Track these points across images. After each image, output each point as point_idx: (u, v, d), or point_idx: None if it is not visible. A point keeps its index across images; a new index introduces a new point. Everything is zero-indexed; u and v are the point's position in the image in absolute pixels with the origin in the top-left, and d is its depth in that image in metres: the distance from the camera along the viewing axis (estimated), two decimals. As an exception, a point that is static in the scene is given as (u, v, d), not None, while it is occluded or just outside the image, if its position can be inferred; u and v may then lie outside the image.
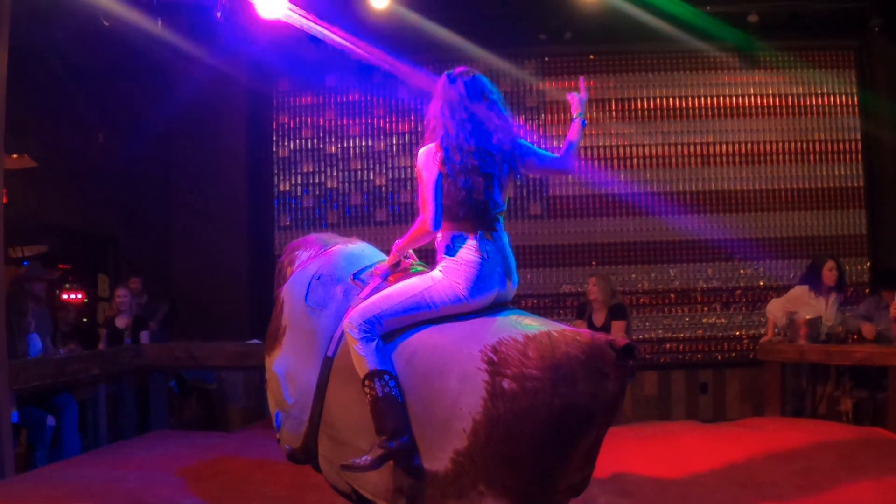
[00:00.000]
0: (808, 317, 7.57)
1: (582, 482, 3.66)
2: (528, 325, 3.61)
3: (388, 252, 4.22)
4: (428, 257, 4.13)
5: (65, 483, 5.49)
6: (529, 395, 3.35)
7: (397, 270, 4.06)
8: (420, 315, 3.79)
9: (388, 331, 3.80)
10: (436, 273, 3.84)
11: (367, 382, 3.67)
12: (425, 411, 3.59)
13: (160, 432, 7.67)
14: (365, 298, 3.93)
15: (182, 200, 9.80)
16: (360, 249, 4.48)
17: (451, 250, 3.83)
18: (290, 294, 4.36)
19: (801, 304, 7.88)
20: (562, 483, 3.48)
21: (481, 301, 3.80)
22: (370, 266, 4.22)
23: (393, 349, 3.77)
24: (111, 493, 5.24)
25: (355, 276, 4.17)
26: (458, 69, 4.04)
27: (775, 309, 8.08)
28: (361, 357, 3.71)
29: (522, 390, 3.36)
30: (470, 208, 3.83)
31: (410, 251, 4.16)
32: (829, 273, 7.81)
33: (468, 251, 3.79)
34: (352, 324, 3.77)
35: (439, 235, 3.90)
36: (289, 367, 4.22)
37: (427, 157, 3.87)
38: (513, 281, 3.93)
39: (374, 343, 3.73)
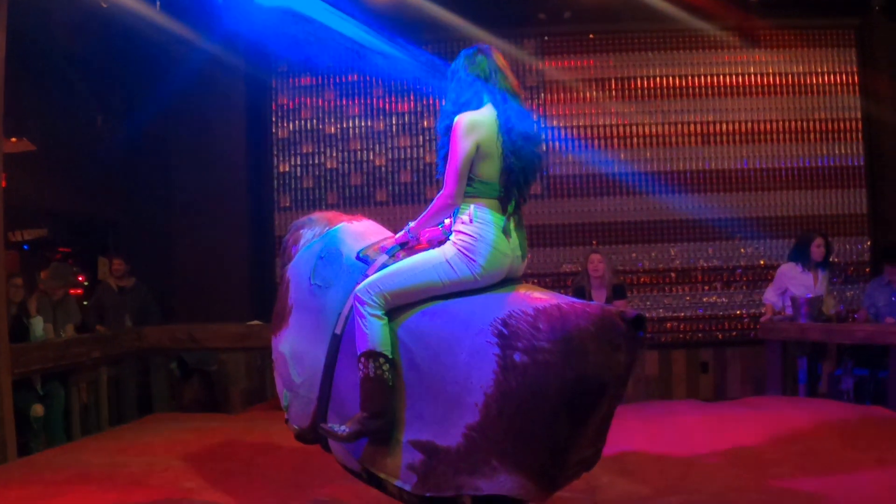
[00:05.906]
0: (808, 296, 7.61)
1: (594, 455, 3.68)
2: (538, 297, 3.58)
3: (394, 230, 4.19)
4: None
5: (67, 467, 5.51)
6: (541, 368, 3.33)
7: (405, 248, 4.02)
8: (429, 291, 3.75)
9: (396, 306, 3.76)
10: (447, 248, 3.75)
11: (361, 360, 3.70)
12: (436, 386, 3.57)
13: (161, 415, 7.68)
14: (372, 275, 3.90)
15: (182, 183, 9.78)
16: (364, 227, 4.43)
17: (470, 223, 3.71)
18: (296, 273, 4.33)
19: (789, 280, 7.95)
20: (574, 456, 3.48)
21: (491, 279, 3.74)
22: (375, 243, 4.17)
23: (402, 324, 3.74)
24: (113, 477, 5.25)
25: (360, 253, 4.12)
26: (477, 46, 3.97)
27: (769, 294, 8.19)
28: (364, 333, 3.71)
29: (534, 363, 3.34)
30: (506, 186, 3.76)
31: (420, 235, 4.06)
32: (816, 249, 7.87)
33: (488, 228, 3.69)
34: (360, 297, 3.75)
35: (459, 206, 3.78)
36: (296, 347, 4.19)
37: (469, 126, 3.69)
38: (523, 258, 3.87)
39: (379, 321, 3.71)
